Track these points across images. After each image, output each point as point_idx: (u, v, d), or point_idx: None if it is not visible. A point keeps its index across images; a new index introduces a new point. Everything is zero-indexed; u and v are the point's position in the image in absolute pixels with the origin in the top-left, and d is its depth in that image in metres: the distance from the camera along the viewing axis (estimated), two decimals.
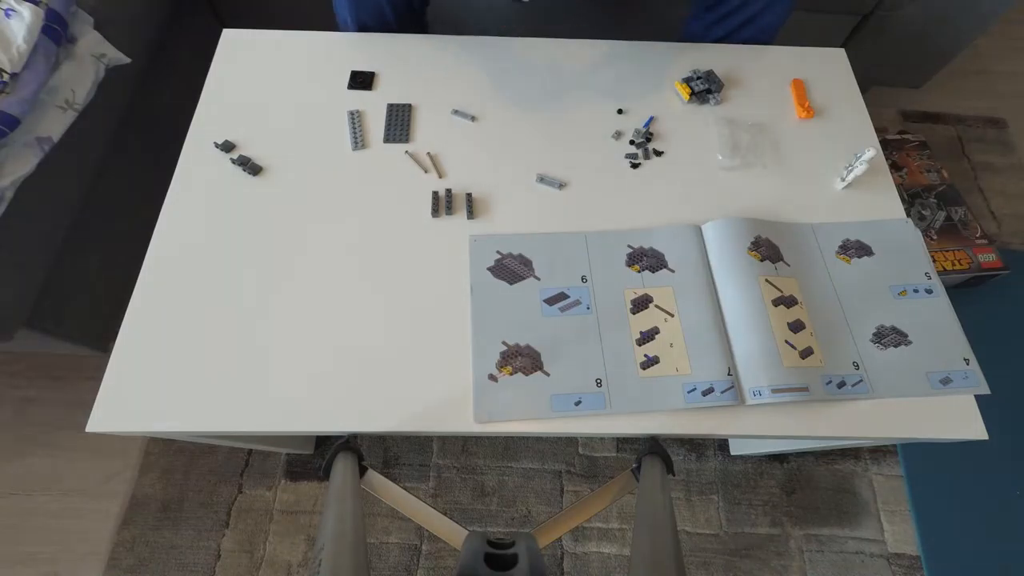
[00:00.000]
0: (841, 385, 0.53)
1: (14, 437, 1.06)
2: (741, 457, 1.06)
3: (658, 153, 0.67)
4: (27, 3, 0.72)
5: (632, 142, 0.68)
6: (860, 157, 0.62)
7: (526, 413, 0.51)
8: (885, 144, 1.28)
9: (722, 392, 0.52)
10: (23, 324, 0.83)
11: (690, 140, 0.69)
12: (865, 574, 0.98)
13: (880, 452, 1.07)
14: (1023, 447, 1.06)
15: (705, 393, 0.52)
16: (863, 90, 0.73)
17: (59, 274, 0.87)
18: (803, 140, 0.69)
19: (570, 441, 1.07)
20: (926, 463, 1.06)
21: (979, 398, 0.53)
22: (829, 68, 0.75)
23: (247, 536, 0.98)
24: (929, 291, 0.59)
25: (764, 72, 0.74)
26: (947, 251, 1.15)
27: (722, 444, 1.08)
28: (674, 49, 0.76)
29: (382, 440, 1.07)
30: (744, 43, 0.77)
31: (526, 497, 1.02)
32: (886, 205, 0.64)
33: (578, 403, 0.52)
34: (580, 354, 0.54)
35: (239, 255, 0.59)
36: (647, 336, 0.55)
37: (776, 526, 1.01)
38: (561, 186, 0.64)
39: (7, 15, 0.72)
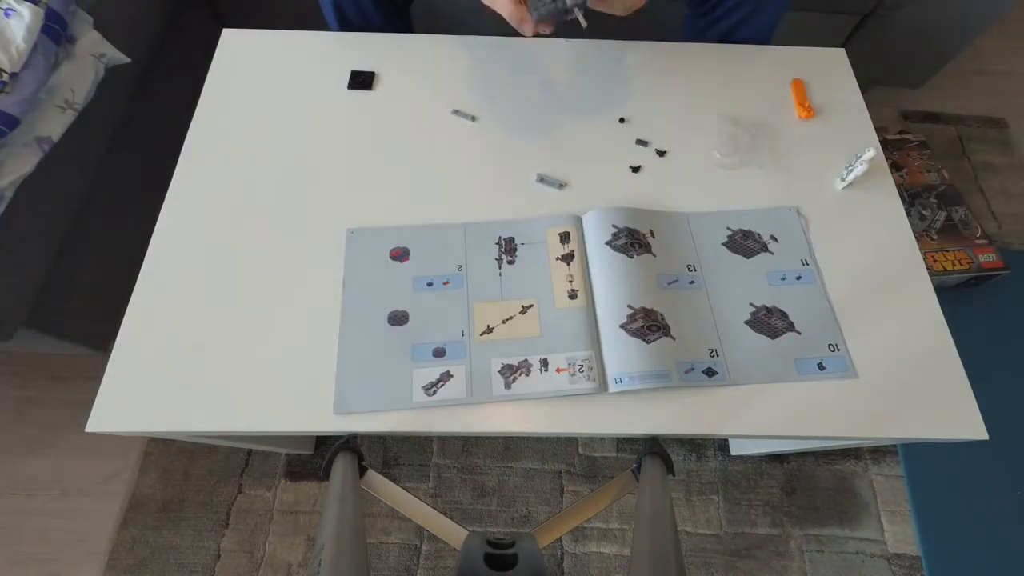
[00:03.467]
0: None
1: (14, 437, 1.06)
2: (741, 457, 1.06)
3: (660, 153, 0.67)
4: (27, 3, 0.73)
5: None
6: (860, 157, 0.62)
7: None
8: (885, 144, 1.28)
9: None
10: (23, 324, 0.83)
11: (691, 139, 0.69)
12: (865, 574, 0.98)
13: (880, 452, 1.07)
14: (1023, 447, 1.06)
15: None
16: (863, 90, 0.73)
17: (59, 274, 0.87)
18: (803, 140, 0.69)
19: (570, 441, 1.07)
20: (926, 463, 1.06)
21: (979, 398, 0.53)
22: (829, 68, 0.75)
23: (247, 536, 0.98)
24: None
25: (764, 72, 0.74)
26: (947, 251, 1.15)
27: (722, 444, 1.08)
28: (676, 49, 0.76)
29: (382, 440, 1.07)
30: (739, 43, 0.77)
31: (526, 497, 1.02)
32: (886, 205, 0.64)
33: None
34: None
35: (239, 254, 0.59)
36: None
37: (776, 526, 1.01)
38: (561, 186, 0.64)
39: (7, 15, 0.72)
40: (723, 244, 0.61)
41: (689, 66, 0.74)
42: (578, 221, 0.61)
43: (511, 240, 0.60)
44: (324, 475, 0.50)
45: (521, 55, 0.74)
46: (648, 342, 0.53)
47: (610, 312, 0.55)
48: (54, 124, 0.78)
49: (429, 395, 0.52)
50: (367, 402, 0.51)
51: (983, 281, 1.17)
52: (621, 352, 0.53)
